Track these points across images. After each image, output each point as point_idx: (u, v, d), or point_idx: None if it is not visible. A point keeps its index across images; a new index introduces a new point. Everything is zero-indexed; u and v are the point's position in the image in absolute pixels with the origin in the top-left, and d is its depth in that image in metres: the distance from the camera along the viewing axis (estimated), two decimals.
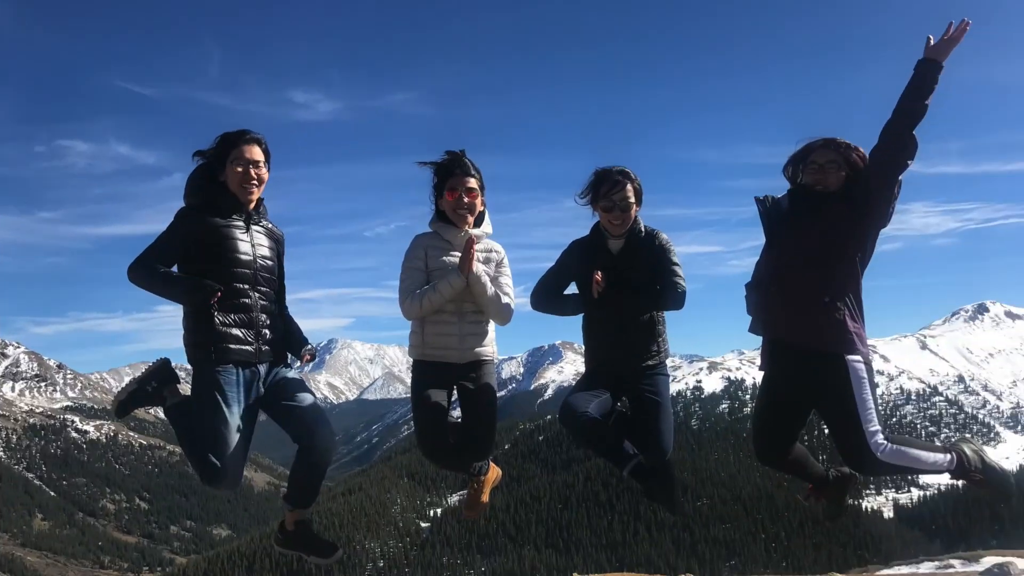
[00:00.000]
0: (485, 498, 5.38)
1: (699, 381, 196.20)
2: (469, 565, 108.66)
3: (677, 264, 5.06)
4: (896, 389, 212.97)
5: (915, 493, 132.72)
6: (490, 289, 4.83)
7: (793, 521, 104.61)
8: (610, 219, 5.03)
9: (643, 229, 5.12)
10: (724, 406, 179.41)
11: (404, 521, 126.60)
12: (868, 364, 4.56)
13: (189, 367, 4.68)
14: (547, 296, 5.22)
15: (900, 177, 4.48)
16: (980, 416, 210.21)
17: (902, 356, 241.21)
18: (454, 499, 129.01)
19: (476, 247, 4.78)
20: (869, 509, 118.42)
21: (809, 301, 4.53)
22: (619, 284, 4.97)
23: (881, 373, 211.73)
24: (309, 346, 4.98)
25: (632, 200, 5.01)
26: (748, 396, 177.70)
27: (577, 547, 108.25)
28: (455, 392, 4.98)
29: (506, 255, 5.12)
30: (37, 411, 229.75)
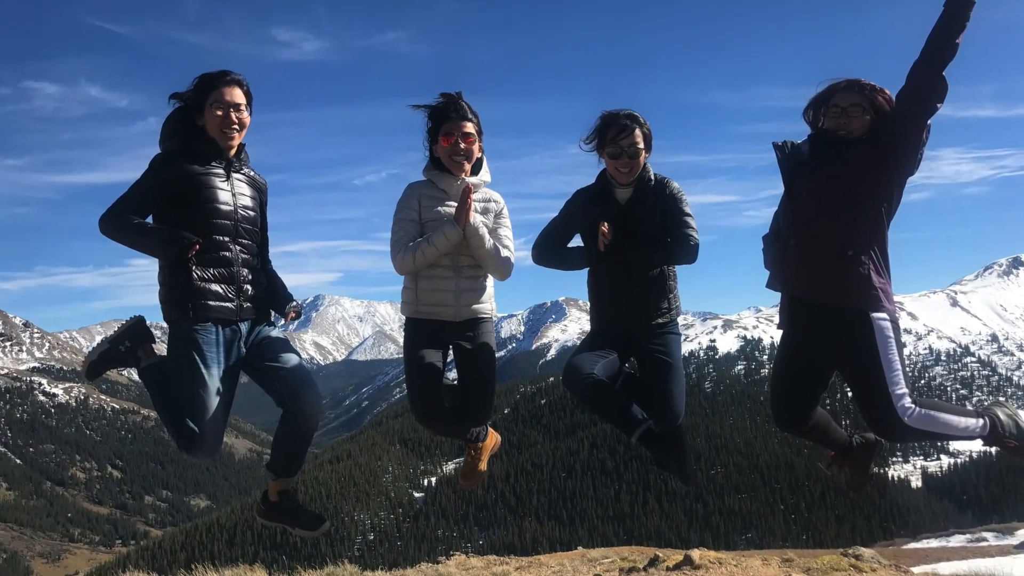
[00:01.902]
0: (483, 466, 5.40)
1: (713, 340, 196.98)
2: (466, 538, 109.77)
3: (689, 215, 5.06)
4: (925, 349, 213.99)
5: (945, 461, 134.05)
6: (488, 242, 4.85)
7: (814, 491, 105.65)
8: (617, 166, 5.03)
9: (653, 177, 5.12)
10: (740, 367, 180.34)
11: (396, 491, 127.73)
12: (895, 322, 4.58)
13: (165, 325, 4.68)
14: (550, 249, 5.24)
15: (929, 121, 4.48)
16: (1015, 378, 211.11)
17: (931, 313, 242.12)
18: (450, 467, 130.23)
19: (473, 196, 4.79)
20: (896, 478, 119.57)
21: (831, 254, 4.54)
22: (627, 236, 4.97)
23: (909, 332, 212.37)
24: (294, 302, 5.00)
25: (641, 146, 5.01)
26: (766, 357, 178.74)
27: (582, 519, 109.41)
28: (451, 352, 5.01)
29: (505, 205, 5.13)
30: (2, 372, 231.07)
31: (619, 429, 5.03)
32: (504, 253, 4.94)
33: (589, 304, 5.35)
